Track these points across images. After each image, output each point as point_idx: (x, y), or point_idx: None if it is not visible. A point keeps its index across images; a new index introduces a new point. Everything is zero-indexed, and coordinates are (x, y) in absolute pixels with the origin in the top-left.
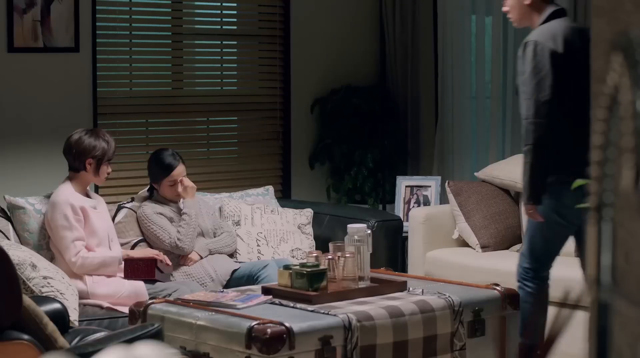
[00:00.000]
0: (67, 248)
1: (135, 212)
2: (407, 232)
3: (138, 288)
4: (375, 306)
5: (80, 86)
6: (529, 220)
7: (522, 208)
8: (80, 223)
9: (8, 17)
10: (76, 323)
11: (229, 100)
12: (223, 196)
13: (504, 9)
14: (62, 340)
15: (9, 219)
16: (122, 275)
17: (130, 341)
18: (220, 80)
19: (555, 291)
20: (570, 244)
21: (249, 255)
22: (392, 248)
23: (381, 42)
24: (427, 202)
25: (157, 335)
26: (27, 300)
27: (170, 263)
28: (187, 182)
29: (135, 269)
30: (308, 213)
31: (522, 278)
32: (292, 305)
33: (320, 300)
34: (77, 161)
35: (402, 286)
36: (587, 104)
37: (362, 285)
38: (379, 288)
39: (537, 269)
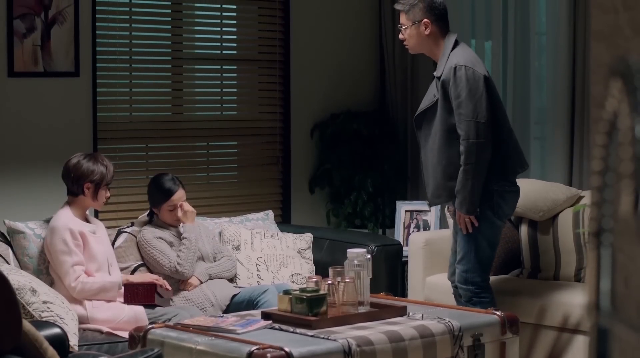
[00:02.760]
0: (67, 273)
1: (135, 237)
2: (406, 257)
3: (138, 313)
4: (375, 331)
5: (80, 111)
6: (466, 238)
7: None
8: (79, 248)
9: (8, 42)
10: (76, 348)
11: (229, 125)
12: (223, 221)
13: (401, 37)
14: None
15: (8, 243)
16: (122, 300)
17: None
18: (220, 105)
19: (554, 316)
20: (570, 268)
21: (249, 279)
22: (391, 273)
23: (381, 67)
24: (427, 227)
25: None
26: (26, 324)
27: (170, 288)
28: (187, 207)
29: (135, 294)
30: (308, 237)
31: (476, 293)
32: (292, 329)
33: (320, 324)
34: (75, 186)
35: (401, 311)
36: (507, 121)
37: (362, 309)
38: (378, 313)
39: (487, 278)
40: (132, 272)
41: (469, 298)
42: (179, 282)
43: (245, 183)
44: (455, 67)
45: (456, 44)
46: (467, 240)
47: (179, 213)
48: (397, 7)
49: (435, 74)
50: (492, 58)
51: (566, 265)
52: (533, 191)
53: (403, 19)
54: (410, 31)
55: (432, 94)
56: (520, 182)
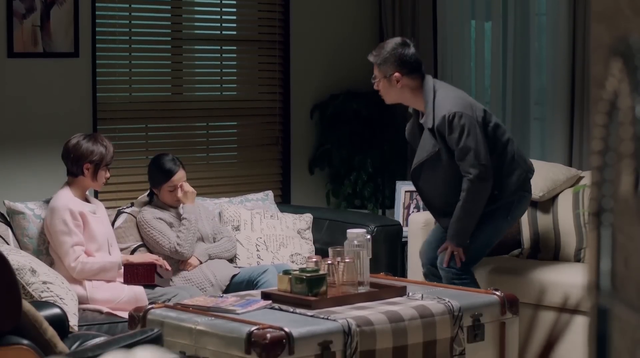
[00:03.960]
0: (67, 254)
1: (135, 217)
2: (406, 237)
3: (137, 293)
4: (375, 311)
5: (79, 91)
6: (483, 231)
7: None
8: (79, 228)
9: (8, 23)
10: (76, 328)
11: (229, 105)
12: (222, 201)
13: (375, 88)
14: (61, 345)
15: (8, 224)
16: (122, 280)
17: (129, 346)
18: (219, 85)
19: (554, 297)
20: (570, 249)
21: (249, 260)
22: (391, 253)
23: None
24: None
25: (156, 340)
26: (26, 305)
27: (169, 268)
28: (187, 187)
29: (135, 274)
30: (307, 218)
31: (457, 275)
32: (291, 310)
33: (320, 305)
34: (75, 166)
35: (401, 291)
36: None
37: (361, 290)
38: (378, 293)
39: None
40: (132, 252)
41: (450, 280)
42: (179, 262)
43: (245, 164)
44: (448, 116)
45: (435, 87)
46: (483, 233)
47: (179, 194)
48: (370, 58)
49: (424, 124)
50: (492, 39)
51: (566, 246)
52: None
53: (375, 71)
54: (383, 83)
55: (429, 144)
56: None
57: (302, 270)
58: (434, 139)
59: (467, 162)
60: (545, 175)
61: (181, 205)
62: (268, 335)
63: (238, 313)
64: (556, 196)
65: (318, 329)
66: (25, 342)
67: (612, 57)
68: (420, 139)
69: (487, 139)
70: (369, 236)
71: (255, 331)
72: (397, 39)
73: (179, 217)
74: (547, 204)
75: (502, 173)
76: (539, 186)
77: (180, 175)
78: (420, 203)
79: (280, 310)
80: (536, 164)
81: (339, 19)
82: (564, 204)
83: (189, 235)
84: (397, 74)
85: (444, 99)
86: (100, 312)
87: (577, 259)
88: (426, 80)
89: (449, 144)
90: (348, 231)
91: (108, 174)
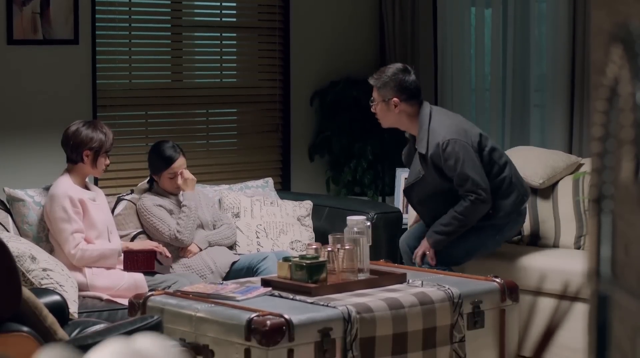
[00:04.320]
0: (66, 241)
1: (135, 204)
2: (406, 224)
3: (137, 280)
4: (375, 298)
5: (79, 78)
6: (467, 239)
7: None
8: (79, 215)
9: (7, 9)
10: (75, 315)
11: (229, 92)
12: (222, 188)
13: (372, 110)
14: (61, 332)
15: (8, 211)
16: (122, 267)
17: (129, 333)
18: (219, 72)
19: (554, 284)
20: (570, 236)
21: (249, 246)
22: (391, 240)
23: (381, 34)
24: None
25: (156, 327)
26: (26, 292)
27: (169, 255)
28: (187, 174)
29: (135, 261)
30: (307, 205)
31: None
32: (291, 297)
33: (320, 292)
34: (74, 153)
35: (401, 278)
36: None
37: (361, 277)
38: (378, 280)
39: None
40: (132, 239)
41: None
42: (179, 250)
43: (245, 151)
44: (442, 144)
45: (431, 113)
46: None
47: (179, 181)
48: (370, 81)
49: (417, 149)
50: (492, 26)
51: (566, 233)
52: (533, 158)
53: (375, 93)
54: (380, 107)
55: (417, 169)
56: (521, 149)
57: (302, 257)
58: (421, 164)
59: (467, 188)
60: (545, 162)
61: (181, 192)
62: (268, 322)
63: (238, 300)
64: (556, 183)
65: (318, 316)
66: (25, 329)
67: (612, 44)
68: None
69: (482, 163)
70: (368, 223)
71: (255, 318)
72: (399, 65)
73: (179, 204)
74: (547, 191)
75: (499, 195)
76: (538, 174)
77: (180, 162)
78: None
79: (280, 296)
80: (536, 151)
81: (339, 5)
82: (564, 191)
83: (189, 222)
84: (395, 99)
85: (439, 126)
86: (100, 299)
87: (577, 247)
88: (423, 106)
89: (445, 171)
90: (348, 218)
91: (108, 161)
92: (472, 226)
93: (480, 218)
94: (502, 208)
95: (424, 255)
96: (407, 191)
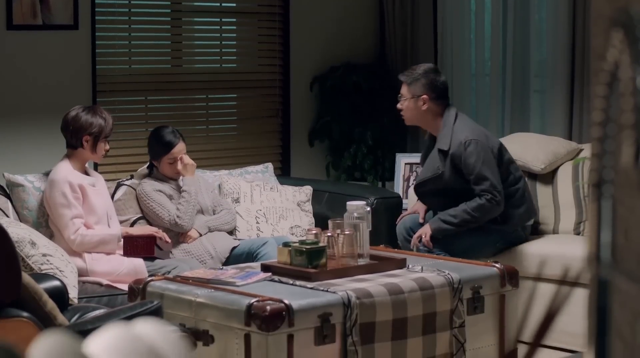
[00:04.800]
0: (66, 226)
1: (135, 189)
2: (406, 209)
3: (137, 266)
4: (375, 284)
5: (79, 64)
6: (472, 235)
7: None
8: (78, 200)
9: None
10: (75, 301)
11: (228, 77)
12: (222, 174)
13: (399, 106)
14: (61, 318)
15: (8, 196)
16: (122, 253)
17: (129, 318)
18: (219, 57)
19: (554, 269)
20: (569, 222)
21: (248, 232)
22: (391, 226)
23: (380, 20)
24: None
25: (156, 313)
26: (26, 277)
27: (169, 241)
28: (187, 160)
29: (135, 246)
30: (307, 190)
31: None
32: (291, 282)
33: (320, 277)
34: (74, 138)
35: (401, 264)
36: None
37: (361, 262)
38: (378, 265)
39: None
40: (132, 225)
41: (421, 246)
42: (179, 235)
43: (244, 136)
44: (465, 142)
45: (456, 116)
46: (465, 233)
47: (179, 166)
48: (401, 78)
49: (438, 146)
50: (492, 11)
51: (565, 219)
52: (533, 144)
53: (404, 90)
54: (409, 103)
55: (434, 166)
56: (520, 136)
57: (301, 242)
58: (441, 161)
59: (483, 187)
60: (545, 148)
61: (181, 177)
62: (268, 307)
63: (238, 286)
64: (556, 169)
65: (318, 301)
66: (25, 314)
67: (612, 28)
68: (428, 158)
69: (500, 170)
70: (368, 209)
71: (255, 303)
72: (430, 65)
73: (179, 189)
74: (547, 177)
75: (511, 204)
76: (540, 159)
77: (180, 147)
78: None
79: (280, 282)
80: (537, 138)
81: None
82: (564, 177)
83: (189, 207)
84: (425, 96)
85: (463, 126)
86: (100, 285)
87: (577, 233)
88: (450, 108)
89: (464, 170)
90: (348, 203)
91: (107, 147)
92: (478, 227)
93: (490, 221)
94: (512, 218)
95: (421, 239)
96: (419, 186)
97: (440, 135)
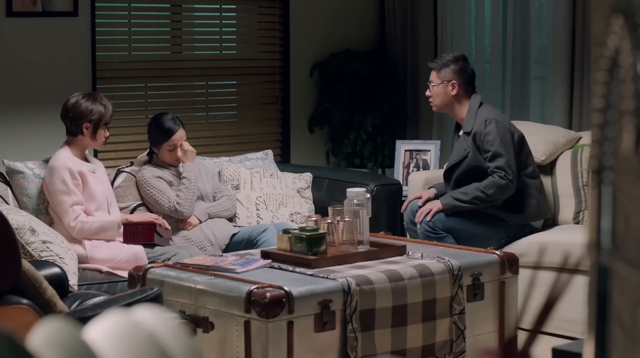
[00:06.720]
0: (66, 213)
1: (135, 176)
2: (406, 196)
3: (137, 253)
4: (375, 271)
5: (79, 51)
6: (479, 224)
7: None
8: (78, 187)
9: None
10: (75, 288)
11: (228, 64)
12: (222, 160)
13: (427, 93)
14: (61, 304)
15: (8, 183)
16: (121, 240)
17: (129, 305)
18: (219, 44)
19: (554, 256)
20: (569, 212)
21: (248, 219)
22: (391, 212)
23: (380, 6)
24: (426, 166)
25: (156, 299)
26: (26, 264)
27: (169, 227)
28: (187, 146)
29: (135, 233)
30: (307, 177)
31: (433, 231)
32: (291, 269)
33: (320, 264)
34: (74, 125)
35: (401, 251)
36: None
37: (361, 249)
38: (378, 252)
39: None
40: (132, 212)
41: (425, 235)
42: (179, 221)
43: (244, 123)
44: (486, 121)
45: (482, 102)
46: (466, 219)
47: (179, 153)
48: (431, 64)
49: (464, 130)
50: None
51: (565, 208)
52: (533, 134)
53: (433, 76)
54: (438, 89)
55: (462, 148)
56: (519, 124)
57: (301, 229)
58: (467, 143)
59: (497, 164)
60: (545, 138)
61: (181, 164)
62: (268, 294)
63: (238, 272)
64: (555, 159)
65: (318, 288)
66: (24, 301)
67: (613, 15)
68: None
69: (519, 157)
70: (368, 195)
71: (254, 290)
72: (459, 53)
73: (179, 176)
74: (546, 167)
75: (527, 193)
76: (540, 150)
77: (180, 134)
78: (420, 162)
79: (280, 269)
80: (536, 127)
81: None
82: (563, 167)
83: (189, 194)
84: (454, 81)
85: (488, 110)
86: (100, 271)
87: (576, 222)
88: (476, 95)
89: (482, 147)
90: (348, 190)
91: (107, 134)
92: (488, 218)
93: (505, 210)
94: (526, 208)
95: (428, 213)
96: (448, 171)
97: (466, 119)
